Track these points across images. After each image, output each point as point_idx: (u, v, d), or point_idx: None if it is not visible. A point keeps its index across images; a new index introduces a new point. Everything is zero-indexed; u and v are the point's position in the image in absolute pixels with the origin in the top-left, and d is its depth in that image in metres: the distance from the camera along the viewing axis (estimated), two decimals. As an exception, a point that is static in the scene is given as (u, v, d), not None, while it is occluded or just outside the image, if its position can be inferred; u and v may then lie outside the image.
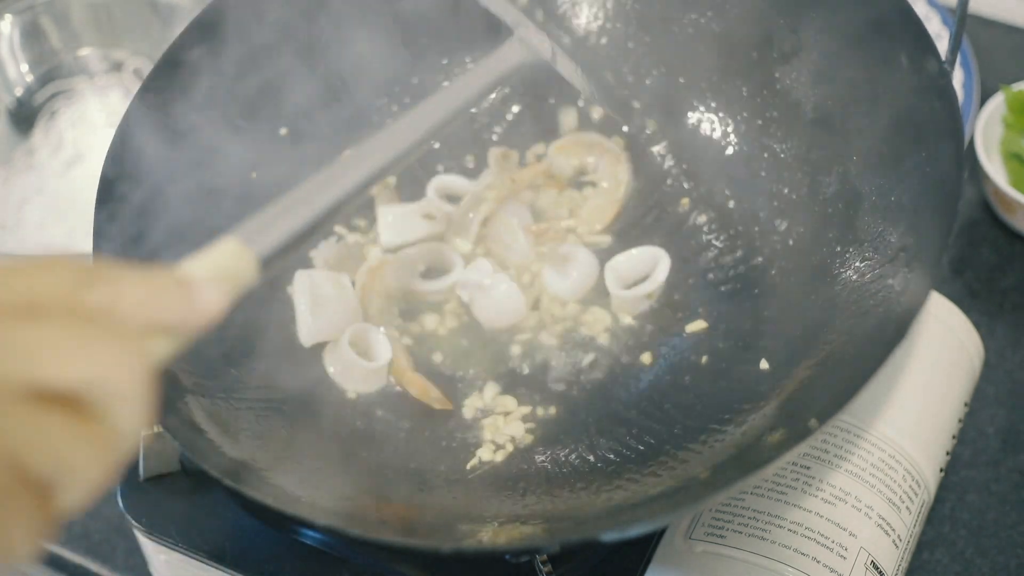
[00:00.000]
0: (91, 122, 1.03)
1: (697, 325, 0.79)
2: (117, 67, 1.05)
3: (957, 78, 0.98)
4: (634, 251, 0.82)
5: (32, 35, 1.05)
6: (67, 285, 0.40)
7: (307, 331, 0.79)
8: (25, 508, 0.38)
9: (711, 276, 0.81)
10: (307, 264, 0.82)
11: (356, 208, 0.84)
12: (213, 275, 0.47)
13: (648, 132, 0.87)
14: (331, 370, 0.79)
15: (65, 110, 1.04)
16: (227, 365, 0.75)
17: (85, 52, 1.06)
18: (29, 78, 1.05)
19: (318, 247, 0.83)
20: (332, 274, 0.81)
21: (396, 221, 0.84)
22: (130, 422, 0.39)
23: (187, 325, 0.43)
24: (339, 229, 0.85)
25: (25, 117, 1.04)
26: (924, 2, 1.04)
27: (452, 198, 0.86)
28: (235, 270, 0.48)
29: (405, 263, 0.82)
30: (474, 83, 0.72)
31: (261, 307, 0.78)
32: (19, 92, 1.05)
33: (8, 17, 1.04)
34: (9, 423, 0.37)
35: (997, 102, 0.98)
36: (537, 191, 0.86)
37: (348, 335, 0.78)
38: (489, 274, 0.80)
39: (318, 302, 0.79)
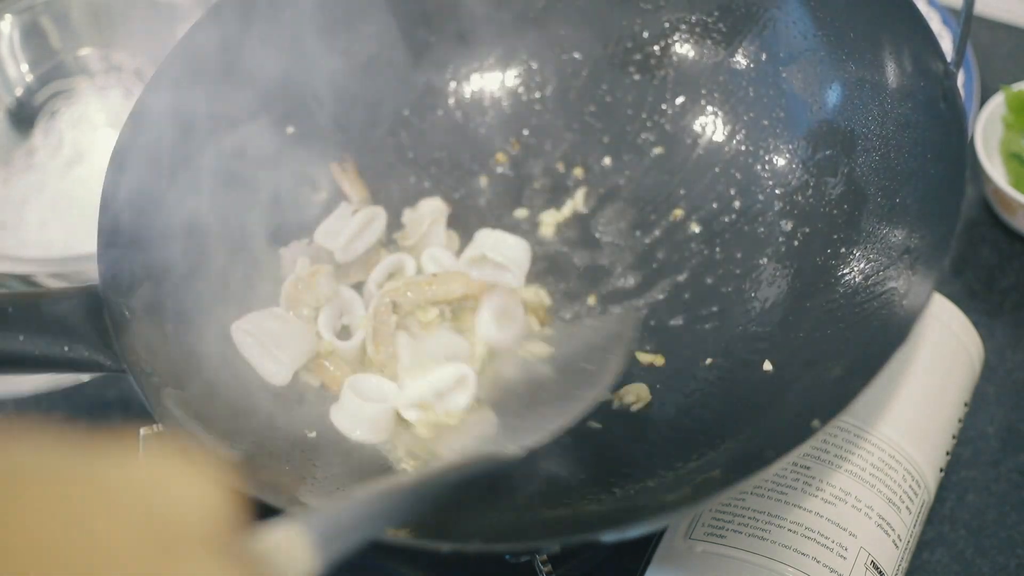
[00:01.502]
0: (91, 122, 1.03)
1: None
2: (117, 67, 1.05)
3: (957, 78, 0.98)
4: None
5: (32, 35, 1.05)
6: None
7: (276, 370, 0.75)
8: None
9: (712, 277, 0.81)
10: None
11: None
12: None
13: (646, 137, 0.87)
14: (339, 422, 0.74)
15: (65, 110, 1.04)
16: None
17: (85, 52, 1.06)
18: (29, 78, 1.05)
19: (288, 245, 0.81)
20: (262, 312, 0.77)
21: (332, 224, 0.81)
22: None
23: None
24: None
25: (25, 117, 1.04)
26: (924, 1, 1.04)
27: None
28: (286, 565, 0.41)
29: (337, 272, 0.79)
30: None
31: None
32: (19, 92, 1.05)
33: (8, 17, 1.04)
34: None
35: (997, 102, 0.98)
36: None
37: (347, 385, 0.75)
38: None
39: (271, 341, 0.75)
